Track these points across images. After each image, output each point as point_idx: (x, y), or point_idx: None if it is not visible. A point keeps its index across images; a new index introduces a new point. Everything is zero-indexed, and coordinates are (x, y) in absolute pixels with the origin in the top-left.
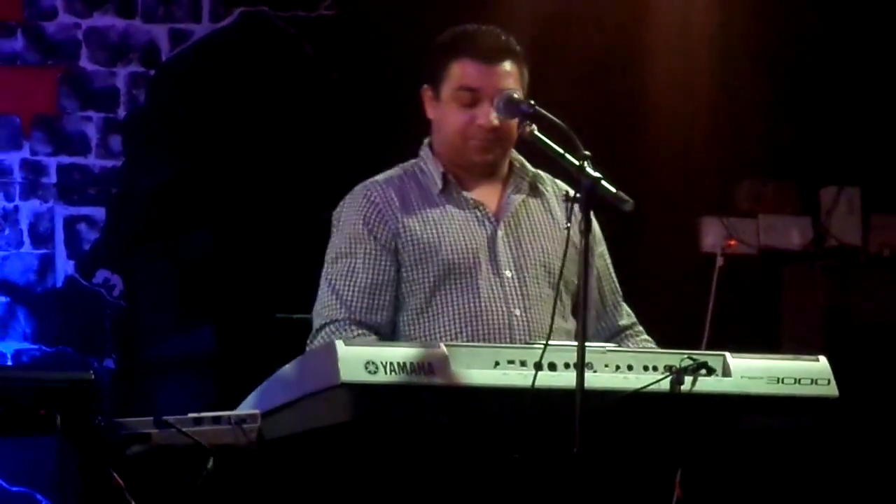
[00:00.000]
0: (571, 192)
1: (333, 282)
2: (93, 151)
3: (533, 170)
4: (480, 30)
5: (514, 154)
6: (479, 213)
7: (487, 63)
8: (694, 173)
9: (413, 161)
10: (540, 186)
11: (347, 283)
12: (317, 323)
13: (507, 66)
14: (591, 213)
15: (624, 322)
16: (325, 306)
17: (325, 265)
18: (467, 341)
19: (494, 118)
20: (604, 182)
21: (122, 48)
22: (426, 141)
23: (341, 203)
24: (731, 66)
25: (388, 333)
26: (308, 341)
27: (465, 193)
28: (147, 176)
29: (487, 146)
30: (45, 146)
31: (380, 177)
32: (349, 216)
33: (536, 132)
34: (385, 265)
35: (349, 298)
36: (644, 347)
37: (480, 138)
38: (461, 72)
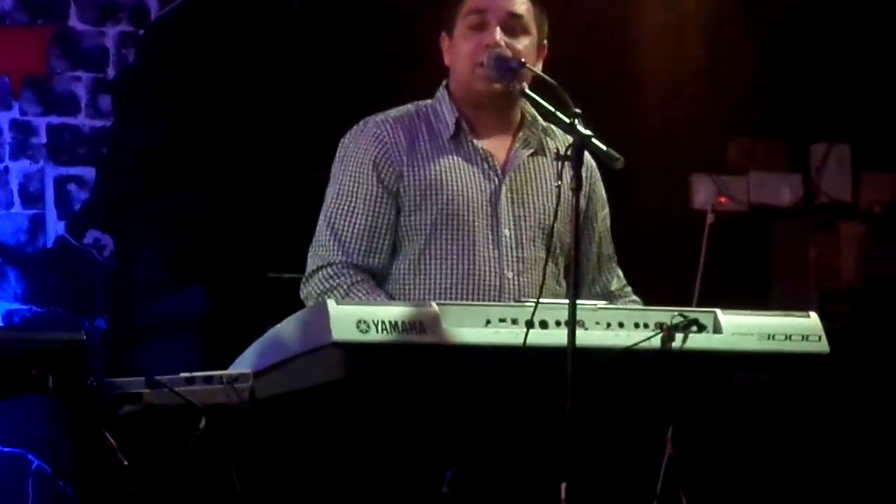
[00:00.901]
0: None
1: (332, 220)
2: (82, 111)
3: (544, 123)
4: None
5: (527, 107)
6: (486, 166)
7: None
8: (684, 131)
9: (428, 101)
10: (550, 142)
11: (346, 222)
12: (312, 264)
13: None
14: (598, 176)
15: (615, 286)
16: (321, 246)
17: (326, 199)
18: (458, 298)
19: (501, 38)
20: (595, 139)
21: (111, 7)
22: (444, 83)
23: (349, 133)
24: (720, 23)
25: (384, 278)
26: (302, 282)
27: (475, 142)
28: (137, 136)
29: (493, 73)
30: (34, 106)
31: (391, 113)
32: (356, 152)
33: (527, 90)
34: (386, 208)
35: (347, 239)
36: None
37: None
38: (471, 1)
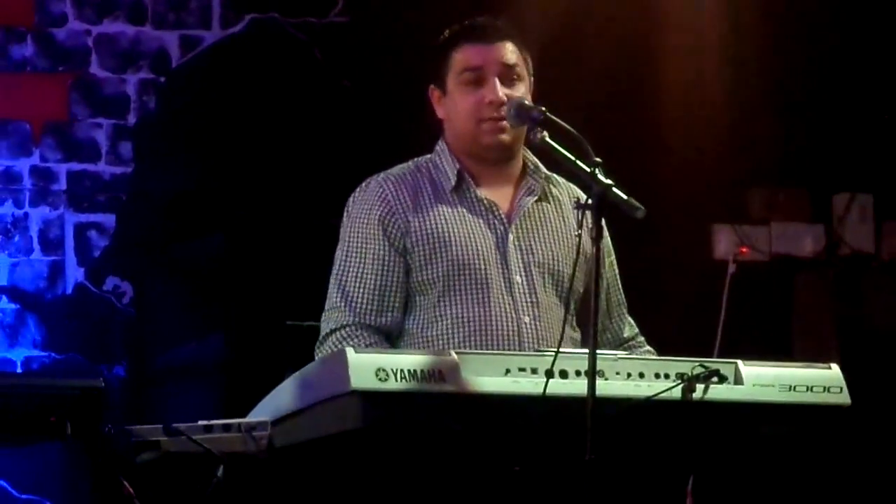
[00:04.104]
0: (583, 199)
1: (343, 283)
2: (103, 158)
3: (546, 171)
4: (475, 18)
5: (529, 155)
6: (491, 216)
7: (486, 42)
8: (706, 180)
9: (427, 156)
10: (554, 189)
11: (356, 284)
12: (325, 328)
13: (508, 45)
14: (603, 222)
15: (627, 333)
16: (333, 309)
17: (335, 262)
18: (476, 348)
19: (502, 92)
20: (615, 189)
21: (133, 55)
22: (442, 137)
23: (353, 195)
24: (742, 73)
25: (397, 335)
26: (316, 346)
27: (478, 192)
28: (157, 182)
29: (499, 126)
30: (54, 153)
31: (393, 171)
32: (361, 212)
33: (547, 139)
34: (395, 266)
35: (357, 301)
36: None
37: (492, 116)
38: (462, 56)
